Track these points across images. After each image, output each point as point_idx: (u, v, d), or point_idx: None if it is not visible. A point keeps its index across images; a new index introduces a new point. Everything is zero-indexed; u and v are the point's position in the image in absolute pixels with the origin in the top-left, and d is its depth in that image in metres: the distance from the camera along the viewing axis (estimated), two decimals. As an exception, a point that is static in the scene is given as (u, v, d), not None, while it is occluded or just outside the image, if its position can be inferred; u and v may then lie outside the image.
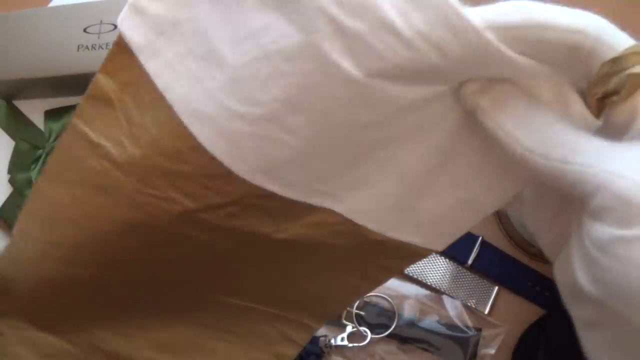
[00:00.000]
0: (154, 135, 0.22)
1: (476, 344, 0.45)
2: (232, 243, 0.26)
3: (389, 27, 0.17)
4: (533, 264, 0.47)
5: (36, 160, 0.48)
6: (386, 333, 0.43)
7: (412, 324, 0.45)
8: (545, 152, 0.19)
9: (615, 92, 0.18)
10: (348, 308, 0.43)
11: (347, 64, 0.18)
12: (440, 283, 0.46)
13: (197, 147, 0.21)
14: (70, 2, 0.46)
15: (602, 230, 0.19)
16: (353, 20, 0.17)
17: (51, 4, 0.50)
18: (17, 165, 0.47)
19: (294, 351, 0.32)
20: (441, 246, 0.25)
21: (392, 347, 0.44)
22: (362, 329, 0.42)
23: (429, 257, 0.46)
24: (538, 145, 0.19)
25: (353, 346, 0.42)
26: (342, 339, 0.41)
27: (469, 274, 0.47)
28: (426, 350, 0.44)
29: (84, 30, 0.44)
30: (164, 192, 0.23)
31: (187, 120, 0.21)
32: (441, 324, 0.45)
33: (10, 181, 0.47)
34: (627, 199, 0.18)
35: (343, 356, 0.43)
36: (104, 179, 0.24)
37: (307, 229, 0.25)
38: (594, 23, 0.18)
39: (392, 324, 0.43)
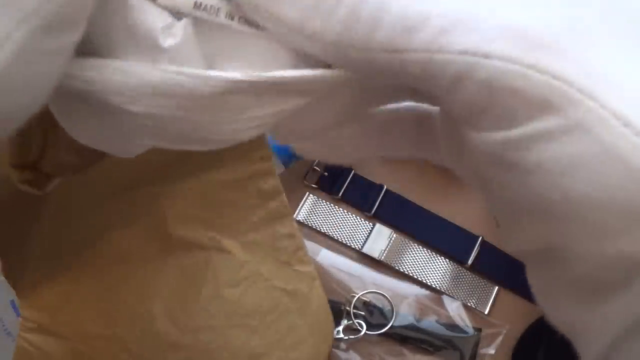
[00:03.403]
0: None
1: (476, 344, 0.44)
2: None
3: None
4: (533, 264, 0.46)
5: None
6: (383, 330, 0.43)
7: (412, 324, 0.44)
8: (350, 40, 0.13)
9: None
10: (347, 307, 0.44)
11: None
12: (440, 283, 0.46)
13: None
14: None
15: (481, 139, 0.14)
16: None
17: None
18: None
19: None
20: None
21: (392, 347, 0.44)
22: (357, 321, 0.42)
23: (429, 257, 0.47)
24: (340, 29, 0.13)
25: (349, 338, 0.42)
26: (338, 332, 0.42)
27: (469, 274, 0.47)
28: (426, 350, 0.44)
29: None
30: None
31: None
32: (441, 324, 0.45)
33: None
34: (500, 86, 0.12)
35: (340, 350, 0.43)
36: None
37: None
38: None
39: (390, 323, 0.43)
